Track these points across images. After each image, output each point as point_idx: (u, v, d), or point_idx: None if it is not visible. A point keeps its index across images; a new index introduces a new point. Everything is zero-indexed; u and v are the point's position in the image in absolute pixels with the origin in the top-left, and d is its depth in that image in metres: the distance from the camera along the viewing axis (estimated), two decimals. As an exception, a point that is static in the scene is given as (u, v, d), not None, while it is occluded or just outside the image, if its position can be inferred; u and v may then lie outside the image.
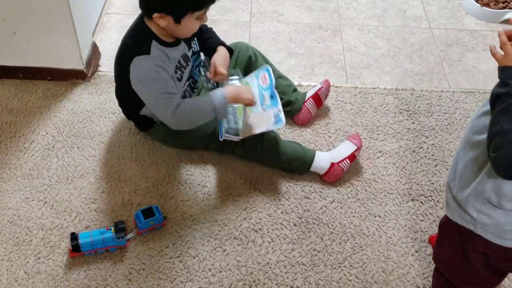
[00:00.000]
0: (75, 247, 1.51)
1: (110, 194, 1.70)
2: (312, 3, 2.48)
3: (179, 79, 1.67)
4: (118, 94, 1.81)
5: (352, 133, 1.90)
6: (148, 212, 1.60)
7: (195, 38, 1.76)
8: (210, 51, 1.77)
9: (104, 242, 1.53)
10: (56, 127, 1.87)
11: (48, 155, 1.79)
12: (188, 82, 1.76)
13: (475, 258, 1.24)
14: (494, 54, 1.10)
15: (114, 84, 1.98)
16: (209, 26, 1.80)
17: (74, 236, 1.52)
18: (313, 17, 2.42)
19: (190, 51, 1.73)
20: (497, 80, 1.08)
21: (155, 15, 1.50)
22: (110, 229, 1.54)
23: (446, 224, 1.29)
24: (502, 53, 1.08)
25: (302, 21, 2.39)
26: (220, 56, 1.71)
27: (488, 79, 2.19)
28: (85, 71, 1.99)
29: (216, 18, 2.33)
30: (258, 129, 1.69)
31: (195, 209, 1.68)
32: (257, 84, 1.79)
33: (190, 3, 1.50)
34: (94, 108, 1.93)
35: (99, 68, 2.09)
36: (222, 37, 1.81)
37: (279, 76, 1.92)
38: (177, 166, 1.79)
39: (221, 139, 1.68)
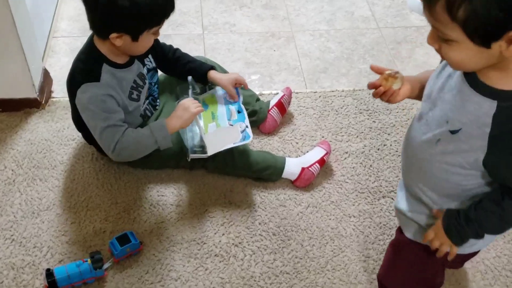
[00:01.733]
0: (52, 283, 1.44)
1: (81, 224, 1.64)
2: (262, 12, 2.49)
3: (136, 100, 1.63)
4: (74, 118, 1.74)
5: (320, 140, 1.91)
6: (123, 239, 1.55)
7: (149, 55, 1.72)
8: (200, 77, 1.79)
9: (82, 275, 1.47)
10: (14, 160, 1.79)
11: (10, 190, 1.71)
12: (147, 100, 1.72)
13: (435, 268, 1.29)
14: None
15: (69, 110, 1.93)
16: (161, 41, 1.76)
17: (49, 272, 1.45)
18: (264, 25, 2.43)
19: (145, 68, 1.69)
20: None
21: (113, 35, 1.46)
22: (86, 261, 1.48)
23: (406, 245, 1.29)
24: None
25: (254, 30, 2.40)
26: (223, 77, 1.77)
27: (439, 72, 2.26)
28: (38, 99, 1.92)
29: (168, 33, 2.30)
30: (225, 145, 1.67)
31: (171, 230, 1.64)
32: (224, 99, 1.78)
33: (149, 21, 1.47)
34: (52, 137, 1.86)
35: (52, 95, 2.02)
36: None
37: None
38: (146, 188, 1.74)
39: (188, 160, 1.65)
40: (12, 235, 1.60)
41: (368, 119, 2.04)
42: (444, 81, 1.08)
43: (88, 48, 1.58)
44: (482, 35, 0.88)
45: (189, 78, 1.78)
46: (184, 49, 1.90)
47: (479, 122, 0.98)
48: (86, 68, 1.56)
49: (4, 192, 1.70)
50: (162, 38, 1.70)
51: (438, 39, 0.94)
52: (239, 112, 1.74)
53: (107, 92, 1.52)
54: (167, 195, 1.73)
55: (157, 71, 1.78)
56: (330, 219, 1.72)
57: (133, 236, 1.56)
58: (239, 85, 1.80)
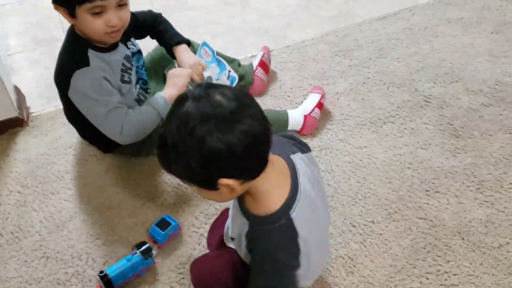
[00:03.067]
0: (108, 283, 1.41)
1: (110, 223, 1.60)
2: (208, -16, 2.50)
3: (128, 82, 1.60)
4: (69, 116, 1.70)
5: (310, 87, 1.96)
6: (162, 224, 1.53)
7: (132, 38, 1.69)
8: (168, 50, 1.76)
9: (134, 268, 1.45)
10: (17, 182, 1.71)
11: (25, 212, 1.64)
12: (138, 84, 1.70)
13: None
14: None
15: (54, 119, 1.87)
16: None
17: (103, 274, 1.42)
18: (214, -4, 2.44)
19: (129, 51, 1.66)
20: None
21: (54, 6, 1.42)
22: (135, 253, 1.46)
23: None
24: None
25: (207, 2, 2.40)
26: (184, 60, 1.69)
27: (391, 2, 2.37)
28: (20, 117, 1.84)
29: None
30: None
31: (202, 205, 1.64)
32: (204, 60, 1.80)
33: None
34: (48, 149, 1.80)
35: (30, 110, 1.94)
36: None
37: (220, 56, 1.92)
38: (162, 174, 1.72)
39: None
40: (45, 253, 1.54)
41: (344, 59, 2.11)
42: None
43: (70, 38, 1.53)
44: (200, 184, 0.99)
45: None
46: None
47: (241, 236, 1.10)
48: (73, 56, 1.51)
49: (19, 215, 1.63)
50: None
51: None
52: (218, 64, 1.78)
53: (101, 75, 1.49)
54: (185, 174, 1.72)
55: (142, 54, 1.75)
56: (344, 155, 1.77)
57: (170, 218, 1.55)
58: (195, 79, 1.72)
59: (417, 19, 2.28)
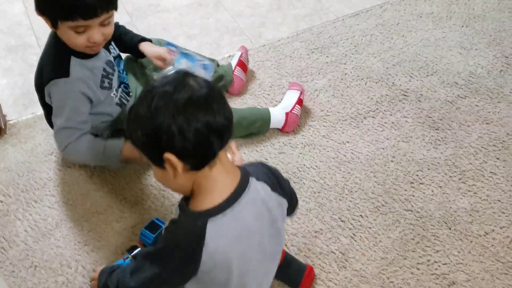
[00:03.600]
0: None
1: (98, 229, 1.58)
2: (179, -14, 2.48)
3: (108, 88, 1.59)
4: (49, 121, 1.66)
5: (290, 83, 1.97)
6: (152, 227, 1.52)
7: (112, 42, 1.67)
8: (132, 50, 1.76)
9: (127, 273, 1.43)
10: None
11: (8, 221, 1.59)
12: (120, 88, 1.67)
13: None
14: None
15: (33, 127, 1.84)
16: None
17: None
18: (187, -2, 2.43)
19: (111, 56, 1.64)
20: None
21: (37, 12, 1.40)
22: (127, 257, 1.44)
23: None
24: None
25: (180, 4, 2.38)
26: (154, 49, 1.72)
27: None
28: (-3, 125, 1.79)
29: (98, 29, 2.22)
30: None
31: (190, 205, 1.63)
32: (176, 60, 1.80)
33: (53, 7, 1.36)
34: (28, 157, 1.75)
35: (7, 118, 1.88)
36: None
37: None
38: (148, 177, 1.71)
39: None
40: (32, 263, 1.50)
41: (321, 55, 2.13)
42: None
43: (52, 41, 1.50)
44: (150, 157, 1.03)
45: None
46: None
47: None
48: (53, 63, 1.49)
49: (3, 225, 1.58)
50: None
51: None
52: (186, 57, 1.79)
53: (78, 88, 1.48)
54: (171, 176, 1.70)
55: (121, 58, 1.72)
56: (328, 151, 1.79)
57: (159, 221, 1.54)
58: (164, 60, 1.75)
59: (389, 14, 2.32)
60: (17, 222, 1.59)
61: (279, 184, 1.15)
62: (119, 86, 1.67)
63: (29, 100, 1.95)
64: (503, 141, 1.81)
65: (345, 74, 2.05)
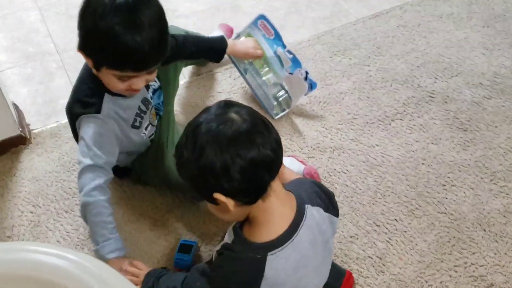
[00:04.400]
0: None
1: (131, 238, 1.56)
2: (196, -10, 2.47)
3: (138, 127, 1.50)
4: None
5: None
6: (184, 249, 1.45)
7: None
8: (213, 57, 1.82)
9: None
10: (28, 202, 1.65)
11: (40, 232, 1.58)
12: (148, 126, 1.58)
13: None
14: None
15: (58, 136, 1.83)
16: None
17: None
18: (204, 2, 2.41)
19: (150, 91, 1.57)
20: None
21: (79, 51, 1.31)
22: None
23: None
24: None
25: (197, 9, 2.37)
26: (244, 43, 1.85)
27: (380, 1, 2.40)
28: (23, 134, 1.77)
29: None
30: (298, 99, 1.82)
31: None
32: (263, 36, 1.84)
33: (103, 54, 1.27)
34: (56, 166, 1.74)
35: (31, 127, 1.87)
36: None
37: None
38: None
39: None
40: (67, 274, 1.49)
41: (343, 58, 2.12)
42: None
43: (88, 76, 1.41)
44: (200, 194, 1.03)
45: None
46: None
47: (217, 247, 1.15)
48: (85, 98, 1.39)
49: (35, 236, 1.57)
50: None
51: None
52: (290, 53, 1.82)
53: (107, 126, 1.38)
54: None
55: (162, 90, 1.64)
56: (357, 154, 1.78)
57: (188, 241, 1.48)
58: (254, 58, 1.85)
59: (409, 16, 2.31)
60: (48, 233, 1.58)
61: (331, 203, 1.14)
62: (156, 120, 1.61)
63: (52, 109, 1.93)
64: (533, 141, 1.81)
65: (370, 76, 2.04)
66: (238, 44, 1.85)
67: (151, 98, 1.58)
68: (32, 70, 2.09)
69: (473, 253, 1.53)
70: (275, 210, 1.01)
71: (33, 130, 1.86)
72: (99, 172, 1.35)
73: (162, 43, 1.29)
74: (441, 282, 1.47)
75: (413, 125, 1.86)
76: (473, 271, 1.49)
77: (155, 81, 1.61)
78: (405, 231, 1.57)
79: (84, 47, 1.30)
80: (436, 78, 2.03)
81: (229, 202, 0.96)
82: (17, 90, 2.01)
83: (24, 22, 2.31)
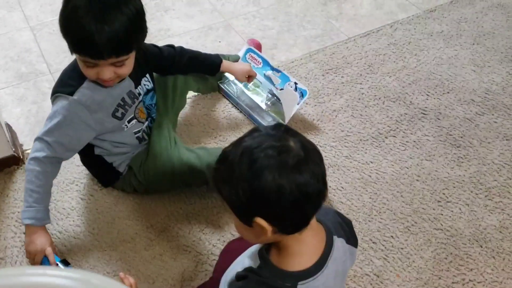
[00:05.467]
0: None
1: (126, 258, 1.54)
2: (188, 10, 2.48)
3: (119, 118, 1.52)
4: (85, 163, 1.69)
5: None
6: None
7: (147, 75, 1.61)
8: (209, 71, 1.87)
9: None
10: (21, 223, 1.61)
11: (33, 253, 1.56)
12: (147, 122, 1.63)
13: None
14: None
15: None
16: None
17: None
18: (197, 22, 2.42)
19: (142, 89, 1.59)
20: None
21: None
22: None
23: None
24: None
25: (190, 28, 2.38)
26: (240, 66, 1.87)
27: (370, 19, 2.42)
28: (16, 154, 1.76)
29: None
30: (293, 109, 1.86)
31: (218, 232, 1.60)
32: (253, 67, 1.91)
33: (67, 35, 1.31)
34: (49, 187, 1.72)
35: (23, 147, 1.85)
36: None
37: None
38: (174, 202, 1.68)
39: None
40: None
41: (336, 76, 2.13)
42: None
43: (74, 63, 1.45)
44: (237, 214, 0.97)
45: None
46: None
47: (236, 266, 1.07)
48: (67, 80, 1.44)
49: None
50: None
51: None
52: (278, 72, 1.89)
53: (72, 110, 1.41)
54: (196, 204, 1.68)
55: (155, 92, 1.68)
56: (352, 172, 1.79)
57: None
58: (251, 79, 1.91)
59: (399, 34, 2.34)
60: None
61: (351, 233, 1.14)
62: (146, 120, 1.63)
63: (45, 128, 1.92)
64: (525, 157, 1.82)
65: (362, 94, 2.05)
66: (235, 64, 1.90)
67: (142, 96, 1.59)
68: (25, 90, 2.08)
69: (471, 270, 1.53)
70: (309, 241, 0.99)
71: (26, 150, 1.84)
72: (44, 147, 1.43)
73: (124, 39, 1.30)
74: (439, 299, 1.46)
75: (407, 141, 1.87)
76: (471, 288, 1.49)
77: (149, 81, 1.62)
78: (401, 248, 1.57)
79: (60, 28, 1.33)
80: (428, 95, 2.05)
81: (269, 229, 0.94)
82: (10, 109, 2.00)
83: (16, 42, 2.31)
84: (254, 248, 1.07)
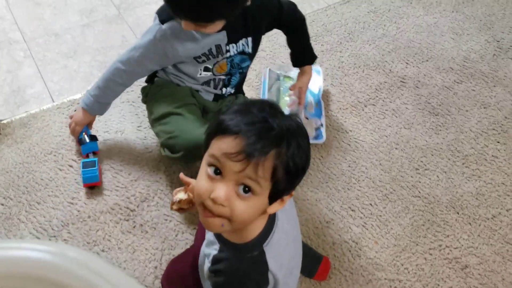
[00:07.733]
0: None
1: (106, 228, 1.54)
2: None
3: (198, 62, 1.51)
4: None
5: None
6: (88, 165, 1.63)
7: (249, 39, 1.54)
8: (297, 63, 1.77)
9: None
10: (-3, 193, 1.61)
11: (12, 224, 1.54)
12: (221, 75, 1.58)
13: None
14: None
15: (28, 126, 1.78)
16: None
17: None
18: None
19: (231, 46, 1.52)
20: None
21: None
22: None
23: None
24: None
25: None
26: (305, 82, 1.75)
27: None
28: (-10, 125, 1.73)
29: (85, 23, 2.15)
30: None
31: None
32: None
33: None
34: (26, 157, 1.69)
35: (-1, 118, 1.82)
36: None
37: None
38: (154, 172, 1.67)
39: None
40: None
41: (315, 44, 2.11)
42: None
43: None
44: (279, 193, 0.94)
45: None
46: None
47: (206, 258, 1.10)
48: (164, 9, 1.47)
49: (7, 229, 1.53)
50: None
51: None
52: (317, 105, 1.80)
53: (160, 40, 1.45)
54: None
55: (251, 60, 1.61)
56: (331, 140, 1.79)
57: (87, 160, 1.64)
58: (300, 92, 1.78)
59: (379, 1, 2.32)
60: (21, 225, 1.54)
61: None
62: (226, 74, 1.58)
63: (21, 99, 1.88)
64: (502, 124, 1.85)
65: (342, 62, 2.05)
66: (309, 75, 1.78)
67: (232, 54, 1.54)
68: (-2, 59, 2.03)
69: (447, 236, 1.56)
70: None
71: (1, 120, 1.81)
72: (130, 58, 1.53)
73: (213, 4, 1.30)
74: (416, 265, 1.49)
75: (386, 110, 1.88)
76: (448, 254, 1.52)
77: (247, 45, 1.55)
78: (380, 215, 1.59)
79: None
80: (407, 63, 2.05)
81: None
82: (-17, 79, 1.96)
83: (-11, 9, 2.24)
84: (207, 238, 1.08)
